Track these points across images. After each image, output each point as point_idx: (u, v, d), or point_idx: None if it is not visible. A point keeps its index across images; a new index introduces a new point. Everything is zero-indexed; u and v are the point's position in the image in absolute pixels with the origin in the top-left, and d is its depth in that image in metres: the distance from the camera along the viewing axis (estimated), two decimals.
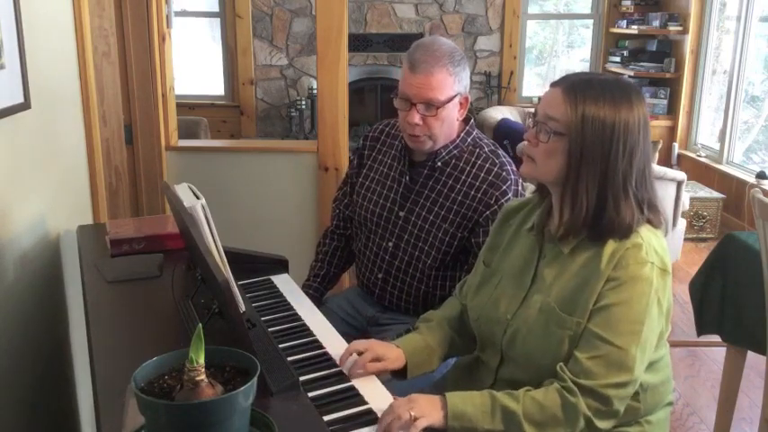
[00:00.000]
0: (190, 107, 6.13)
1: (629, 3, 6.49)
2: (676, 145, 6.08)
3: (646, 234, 1.37)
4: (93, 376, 1.37)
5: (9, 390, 1.77)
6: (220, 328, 1.44)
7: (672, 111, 6.20)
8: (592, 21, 6.93)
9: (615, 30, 6.60)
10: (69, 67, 2.26)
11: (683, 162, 6.00)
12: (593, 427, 1.33)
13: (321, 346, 1.54)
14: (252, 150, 3.28)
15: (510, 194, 1.88)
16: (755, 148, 5.67)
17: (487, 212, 1.87)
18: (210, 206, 1.52)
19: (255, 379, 0.98)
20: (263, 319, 1.64)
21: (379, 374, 1.46)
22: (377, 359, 1.47)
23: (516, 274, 1.51)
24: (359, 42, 6.53)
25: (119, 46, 2.92)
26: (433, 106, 1.85)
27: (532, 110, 1.44)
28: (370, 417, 1.28)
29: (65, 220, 2.18)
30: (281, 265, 1.98)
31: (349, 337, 1.68)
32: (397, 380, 1.55)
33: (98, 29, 2.75)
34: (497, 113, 6.00)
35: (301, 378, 1.35)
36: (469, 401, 1.34)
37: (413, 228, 1.97)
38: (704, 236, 5.08)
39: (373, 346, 1.50)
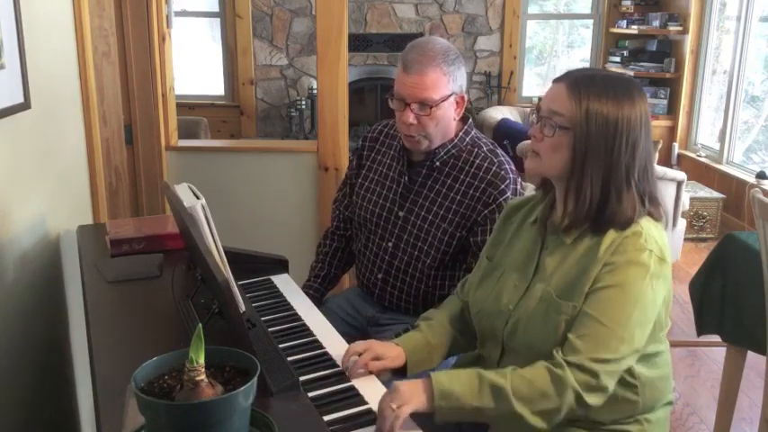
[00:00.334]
0: (190, 107, 6.13)
1: (629, 3, 6.49)
2: (676, 145, 6.08)
3: (646, 224, 1.40)
4: (93, 376, 1.37)
5: (9, 390, 1.77)
6: (220, 328, 1.44)
7: (672, 111, 6.20)
8: (592, 21, 6.93)
9: (615, 30, 6.60)
10: (69, 67, 2.26)
11: (683, 162, 6.00)
12: (582, 403, 1.33)
13: (321, 346, 1.54)
14: (252, 150, 3.28)
15: (509, 193, 1.88)
16: (755, 148, 5.67)
17: (486, 211, 1.88)
18: (210, 206, 1.52)
19: (255, 379, 0.98)
20: (263, 319, 1.64)
21: (379, 374, 1.46)
22: (377, 358, 1.47)
23: (519, 267, 1.52)
24: (359, 42, 6.53)
25: (119, 46, 2.92)
26: (427, 106, 1.85)
27: (533, 109, 1.46)
28: (370, 417, 1.28)
29: (65, 220, 2.18)
30: (281, 265, 1.98)
31: (349, 337, 1.68)
32: (398, 379, 1.55)
33: (98, 29, 2.75)
34: (497, 113, 6.00)
35: (301, 378, 1.35)
36: (456, 380, 1.34)
37: (412, 227, 1.97)
38: (704, 236, 5.08)
39: (373, 345, 1.50)
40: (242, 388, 0.96)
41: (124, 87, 2.98)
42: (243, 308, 1.50)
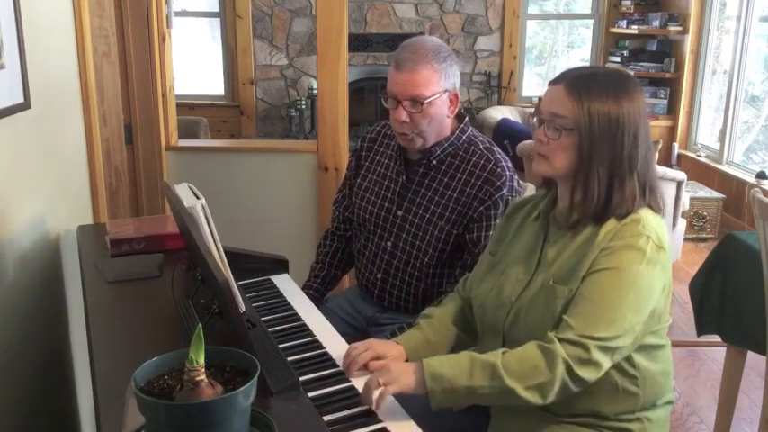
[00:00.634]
0: (190, 107, 6.12)
1: (629, 3, 6.49)
2: (676, 145, 6.08)
3: (645, 214, 1.43)
4: (93, 376, 1.37)
5: (9, 389, 1.77)
6: (220, 328, 1.44)
7: (672, 111, 6.20)
8: (592, 21, 6.93)
9: (615, 30, 6.59)
10: (69, 67, 2.26)
11: (683, 162, 6.00)
12: (574, 375, 1.34)
13: (321, 346, 1.54)
14: (252, 150, 3.28)
15: (504, 190, 1.89)
16: (755, 148, 5.67)
17: (481, 208, 1.89)
18: (210, 206, 1.52)
19: (255, 379, 0.98)
20: (263, 319, 1.64)
21: None
22: (377, 357, 1.47)
23: (523, 260, 1.54)
24: (359, 42, 6.53)
25: (119, 46, 2.92)
26: (419, 103, 1.86)
27: (532, 110, 1.48)
28: (369, 417, 1.28)
29: (65, 220, 2.18)
30: (281, 265, 1.98)
31: (349, 337, 1.68)
32: None
33: (98, 29, 2.75)
34: (497, 113, 5.99)
35: (301, 378, 1.35)
36: (446, 363, 1.37)
37: (410, 226, 1.97)
38: (704, 236, 5.08)
39: (373, 345, 1.50)
40: (242, 388, 0.95)
41: (124, 87, 2.98)
42: (243, 308, 1.50)
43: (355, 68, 6.47)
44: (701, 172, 5.66)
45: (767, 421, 2.20)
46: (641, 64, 6.27)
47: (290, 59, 6.59)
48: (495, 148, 1.96)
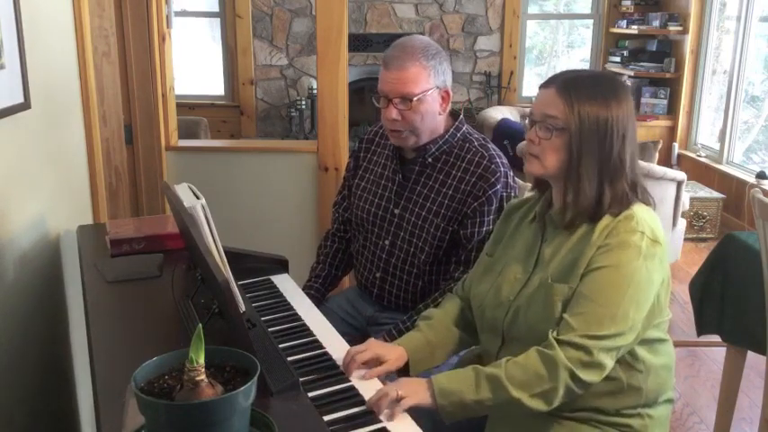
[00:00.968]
0: (190, 107, 6.13)
1: (629, 3, 6.49)
2: (676, 145, 6.08)
3: (638, 209, 1.46)
4: (93, 376, 1.37)
5: (9, 389, 1.77)
6: (220, 328, 1.44)
7: (672, 111, 6.20)
8: (592, 21, 6.93)
9: (615, 30, 6.60)
10: (69, 67, 2.26)
11: (683, 162, 6.00)
12: (577, 380, 1.36)
13: (321, 346, 1.54)
14: (252, 150, 3.28)
15: (498, 186, 1.90)
16: (755, 148, 5.67)
17: (475, 204, 1.90)
18: (210, 206, 1.52)
19: (255, 379, 0.98)
20: (263, 319, 1.64)
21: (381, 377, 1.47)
22: (376, 359, 1.48)
23: (521, 260, 1.56)
24: (359, 42, 6.53)
25: (119, 46, 2.92)
26: (408, 100, 1.87)
27: (528, 117, 1.52)
28: (370, 417, 1.28)
29: (65, 220, 2.18)
30: (281, 265, 1.98)
31: (349, 337, 1.68)
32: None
33: (98, 29, 2.75)
34: (497, 113, 6.00)
35: (301, 378, 1.35)
36: (454, 378, 1.40)
37: (407, 224, 1.98)
38: (704, 236, 5.08)
39: (372, 346, 1.51)
40: (242, 388, 0.95)
41: (124, 87, 2.98)
42: (243, 308, 1.50)
43: (355, 68, 6.48)
44: (701, 172, 5.66)
45: (767, 421, 2.20)
46: (641, 64, 6.27)
47: (290, 59, 6.59)
48: (490, 145, 1.97)
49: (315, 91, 6.01)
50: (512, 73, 6.74)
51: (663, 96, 6.22)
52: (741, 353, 2.40)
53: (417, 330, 1.64)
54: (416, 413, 1.33)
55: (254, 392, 0.99)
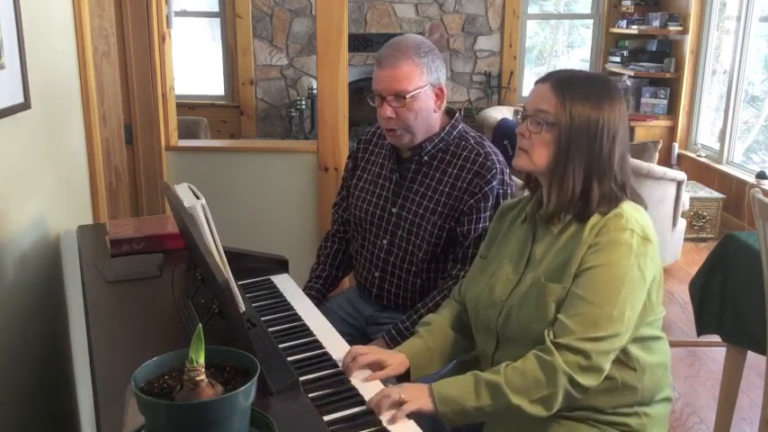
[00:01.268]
0: (190, 107, 6.13)
1: (629, 3, 6.49)
2: (676, 145, 6.08)
3: (627, 207, 1.47)
4: (93, 376, 1.37)
5: (9, 389, 1.77)
6: (220, 328, 1.44)
7: (672, 111, 6.20)
8: (592, 21, 6.93)
9: (615, 30, 6.59)
10: (69, 67, 2.26)
11: (683, 162, 6.00)
12: (576, 384, 1.37)
13: (321, 346, 1.54)
14: (252, 150, 3.28)
15: (494, 183, 1.90)
16: (755, 148, 5.67)
17: (471, 201, 1.90)
18: (210, 206, 1.52)
19: (255, 379, 0.98)
20: (263, 319, 1.64)
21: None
22: (377, 362, 1.49)
23: (513, 260, 1.57)
24: (359, 42, 6.53)
25: (119, 46, 2.92)
26: (401, 97, 1.87)
27: (521, 113, 1.54)
28: (370, 417, 1.28)
29: (65, 220, 2.18)
30: (281, 265, 1.98)
31: (349, 337, 1.69)
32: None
33: (98, 29, 2.75)
34: (497, 113, 5.99)
35: (301, 378, 1.35)
36: (454, 385, 1.40)
37: (404, 223, 1.99)
38: (704, 236, 5.08)
39: (374, 349, 1.53)
40: (242, 388, 0.96)
41: (124, 87, 2.98)
42: (243, 308, 1.50)
43: (355, 68, 6.47)
44: (701, 172, 5.66)
45: (767, 421, 2.20)
46: (641, 64, 6.27)
47: (290, 59, 6.59)
48: (486, 143, 1.98)
49: (315, 91, 6.01)
50: (512, 73, 6.74)
51: (663, 96, 6.22)
52: (741, 353, 2.40)
53: (418, 337, 1.65)
54: (416, 414, 1.33)
55: (254, 392, 0.99)
